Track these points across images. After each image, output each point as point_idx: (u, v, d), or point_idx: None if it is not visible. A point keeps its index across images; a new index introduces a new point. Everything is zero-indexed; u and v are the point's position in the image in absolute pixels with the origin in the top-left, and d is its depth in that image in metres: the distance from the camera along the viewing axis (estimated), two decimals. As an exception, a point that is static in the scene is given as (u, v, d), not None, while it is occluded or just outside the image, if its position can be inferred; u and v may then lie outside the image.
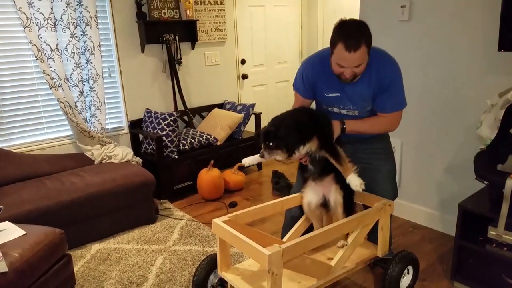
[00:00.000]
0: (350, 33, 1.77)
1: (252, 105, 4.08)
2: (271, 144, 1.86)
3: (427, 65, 2.77)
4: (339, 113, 2.11)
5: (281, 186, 3.71)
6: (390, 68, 1.97)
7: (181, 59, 3.89)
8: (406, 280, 2.18)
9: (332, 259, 2.03)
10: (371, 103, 2.04)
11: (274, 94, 4.94)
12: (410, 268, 2.19)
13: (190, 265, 2.54)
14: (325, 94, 2.07)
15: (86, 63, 3.25)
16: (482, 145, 2.17)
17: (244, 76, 4.55)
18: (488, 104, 2.21)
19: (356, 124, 2.05)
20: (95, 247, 2.78)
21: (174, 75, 3.85)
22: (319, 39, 4.96)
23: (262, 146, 1.91)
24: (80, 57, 3.21)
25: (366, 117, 2.08)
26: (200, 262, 2.14)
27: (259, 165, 4.29)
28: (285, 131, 1.84)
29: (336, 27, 1.83)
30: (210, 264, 2.09)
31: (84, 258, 2.64)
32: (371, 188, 2.15)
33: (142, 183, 3.01)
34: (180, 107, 3.96)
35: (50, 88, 3.09)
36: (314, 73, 2.06)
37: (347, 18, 1.89)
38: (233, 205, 3.44)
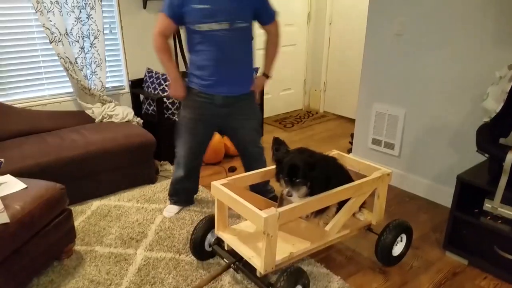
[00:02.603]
0: None
1: (256, 69, 4.01)
2: (298, 180, 1.83)
3: (434, 34, 2.70)
4: (208, 30, 2.15)
5: (281, 153, 3.71)
6: None
7: (185, 18, 3.79)
8: (398, 247, 2.23)
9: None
10: (247, 16, 2.22)
11: (279, 59, 4.80)
12: (404, 236, 2.23)
13: (189, 224, 2.59)
14: (193, 7, 2.12)
15: (86, 18, 3.18)
16: (486, 118, 2.15)
17: (249, 39, 4.45)
18: (497, 76, 2.17)
19: (272, 63, 2.53)
20: (95, 203, 2.83)
21: (176, 34, 3.77)
22: (328, 0, 4.80)
23: (285, 183, 1.87)
24: (80, 12, 3.13)
25: (237, 35, 2.21)
26: (198, 221, 2.19)
27: (260, 132, 4.27)
28: (315, 171, 1.83)
29: None
30: (208, 224, 2.14)
31: (85, 214, 2.69)
32: (243, 145, 2.58)
33: (143, 144, 3.01)
34: (182, 68, 3.90)
35: (50, 43, 3.04)
36: None
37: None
38: (232, 169, 3.47)
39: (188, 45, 2.31)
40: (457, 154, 2.76)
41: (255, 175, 2.15)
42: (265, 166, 2.49)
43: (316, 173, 1.84)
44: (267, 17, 2.34)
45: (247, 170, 2.61)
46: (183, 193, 2.73)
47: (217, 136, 3.52)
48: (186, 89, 2.36)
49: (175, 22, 2.22)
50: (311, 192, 1.87)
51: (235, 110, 2.38)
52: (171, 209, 2.70)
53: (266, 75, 2.55)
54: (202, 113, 2.37)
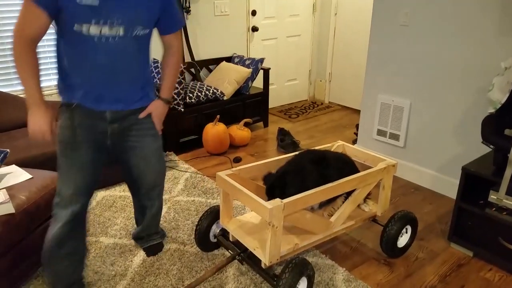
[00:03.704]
0: None
1: (261, 60, 4.00)
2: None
3: (440, 25, 2.66)
4: (97, 35, 1.52)
5: (286, 143, 3.72)
6: None
7: (189, 7, 3.77)
8: (404, 238, 2.22)
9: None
10: (145, 21, 1.65)
11: (284, 49, 4.82)
12: (409, 227, 2.22)
13: (194, 215, 2.60)
14: (78, 1, 1.46)
15: (91, 8, 3.16)
16: (491, 109, 2.13)
17: (254, 29, 4.42)
18: (502, 67, 2.14)
19: (171, 86, 1.93)
20: (100, 194, 2.84)
21: (181, 25, 3.75)
22: (333, -8, 4.76)
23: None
24: (85, 2, 3.11)
25: (132, 43, 1.63)
26: (203, 212, 2.19)
27: (265, 122, 4.28)
28: (293, 188, 1.83)
29: None
30: (213, 214, 2.15)
31: (90, 204, 2.71)
32: (141, 166, 1.93)
33: (148, 134, 3.01)
34: (188, 58, 3.89)
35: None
36: None
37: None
38: (237, 160, 3.47)
39: (58, 51, 1.63)
40: (462, 145, 2.74)
41: (260, 165, 2.15)
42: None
43: (291, 188, 1.85)
44: (173, 24, 1.81)
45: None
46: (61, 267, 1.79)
47: (222, 127, 3.52)
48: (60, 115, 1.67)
49: (49, 14, 1.48)
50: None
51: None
52: None
53: (166, 100, 1.91)
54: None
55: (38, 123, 1.58)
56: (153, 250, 2.23)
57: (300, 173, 1.91)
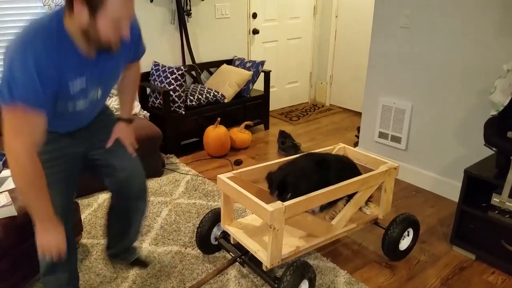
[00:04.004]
0: None
1: (262, 62, 4.00)
2: (289, 195, 1.82)
3: (441, 27, 2.66)
4: (80, 105, 1.48)
5: (287, 146, 3.71)
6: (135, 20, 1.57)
7: (190, 10, 3.78)
8: (405, 241, 2.22)
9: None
10: (120, 74, 1.65)
11: (285, 52, 4.82)
12: (410, 230, 2.22)
13: (195, 217, 2.59)
14: (71, 83, 1.37)
15: (93, 11, 3.17)
16: (494, 111, 2.12)
17: (255, 31, 4.42)
18: (504, 69, 2.14)
19: (131, 106, 1.88)
20: (102, 196, 2.84)
21: (182, 27, 3.76)
22: (334, -5, 4.76)
23: (276, 195, 1.86)
24: (86, 5, 3.13)
25: (107, 95, 1.64)
26: (204, 215, 2.19)
27: (266, 125, 4.27)
28: (303, 185, 1.84)
29: None
30: (214, 217, 2.14)
31: (91, 207, 2.70)
32: (116, 164, 1.78)
33: (149, 137, 3.02)
34: (188, 61, 3.90)
35: (57, 37, 3.04)
36: (56, 59, 1.29)
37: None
38: (238, 162, 3.47)
39: None
40: (465, 148, 2.73)
41: (261, 168, 2.14)
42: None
43: (303, 185, 1.85)
44: (139, 53, 1.77)
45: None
46: None
47: (223, 129, 3.52)
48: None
49: (48, 114, 1.32)
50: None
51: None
52: None
53: (128, 120, 1.86)
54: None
55: (55, 241, 1.43)
56: (142, 260, 2.14)
57: (306, 175, 1.90)
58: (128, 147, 1.80)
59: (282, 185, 1.85)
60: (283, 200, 1.79)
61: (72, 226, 1.71)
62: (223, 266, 1.97)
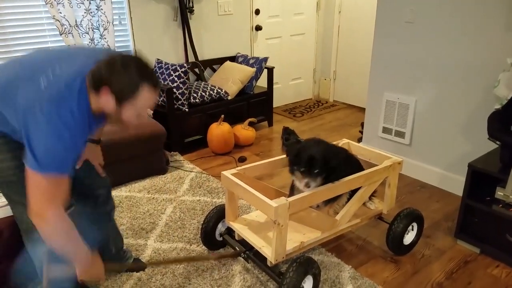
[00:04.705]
0: (146, 67, 1.36)
1: (265, 59, 4.00)
2: (316, 171, 1.79)
3: (445, 22, 2.65)
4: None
5: (291, 142, 3.70)
6: None
7: (193, 7, 3.78)
8: (410, 236, 2.22)
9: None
10: None
11: (288, 48, 4.81)
12: (415, 225, 2.22)
13: (199, 214, 2.61)
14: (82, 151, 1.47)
15: (96, 9, 3.18)
16: (497, 105, 2.12)
17: (258, 28, 4.42)
18: (508, 63, 2.13)
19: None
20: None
21: (185, 25, 3.77)
22: (337, -10, 4.75)
23: (302, 174, 1.80)
24: (90, 3, 3.14)
25: None
26: (209, 211, 2.20)
27: (270, 122, 4.28)
28: (331, 162, 1.83)
29: (120, 67, 1.28)
30: (218, 213, 2.15)
31: (97, 204, 2.72)
32: (90, 181, 1.79)
33: (153, 135, 3.03)
34: (191, 58, 3.91)
35: (60, 35, 3.06)
36: (83, 127, 1.35)
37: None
38: (242, 159, 3.47)
39: None
40: (469, 142, 2.72)
41: (265, 164, 2.15)
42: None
43: (332, 164, 1.83)
44: None
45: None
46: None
47: (227, 126, 3.53)
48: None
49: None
50: (325, 183, 1.87)
51: None
52: None
53: (95, 141, 1.79)
54: None
55: (98, 272, 1.53)
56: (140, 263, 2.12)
57: (336, 154, 1.89)
58: (98, 168, 1.79)
59: (311, 161, 1.79)
60: (311, 176, 1.78)
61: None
62: (227, 254, 1.98)
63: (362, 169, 2.09)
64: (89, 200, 1.81)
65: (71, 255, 1.42)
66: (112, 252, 2.01)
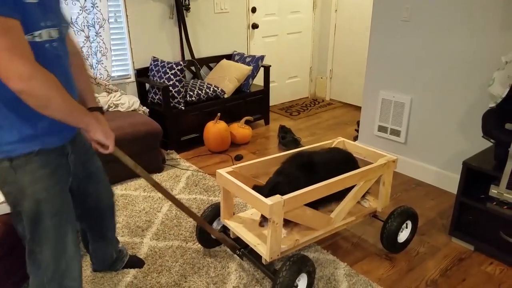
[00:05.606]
0: None
1: (262, 57, 4.00)
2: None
3: (441, 20, 2.66)
4: (47, 40, 1.28)
5: (287, 141, 3.72)
6: None
7: (189, 4, 3.78)
8: (404, 234, 2.23)
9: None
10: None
11: (285, 46, 4.82)
12: (409, 222, 2.23)
13: (195, 212, 2.60)
14: (25, 1, 1.19)
15: (91, 6, 3.17)
16: (492, 103, 2.13)
17: (254, 26, 4.42)
18: (503, 61, 2.14)
19: (92, 93, 1.65)
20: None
21: (181, 22, 3.76)
22: (333, -11, 4.75)
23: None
24: (85, 0, 3.13)
25: (64, 45, 1.44)
26: (204, 209, 2.20)
27: (266, 120, 4.28)
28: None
29: None
30: (214, 212, 2.15)
31: (93, 203, 2.72)
32: (100, 189, 1.81)
33: (149, 133, 3.03)
34: (188, 56, 3.90)
35: (56, 33, 3.05)
36: None
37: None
38: (239, 158, 3.48)
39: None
40: (464, 140, 2.74)
41: (261, 162, 2.15)
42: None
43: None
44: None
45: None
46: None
47: (223, 125, 3.53)
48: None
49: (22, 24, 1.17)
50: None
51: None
52: None
53: (99, 109, 1.65)
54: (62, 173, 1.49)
55: (105, 128, 1.53)
56: (137, 260, 2.15)
57: (292, 183, 1.88)
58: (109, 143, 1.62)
59: (270, 194, 1.78)
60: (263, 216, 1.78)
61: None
62: (223, 240, 2.00)
63: (356, 166, 2.10)
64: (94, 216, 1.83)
65: (71, 115, 1.32)
66: (113, 258, 2.04)
